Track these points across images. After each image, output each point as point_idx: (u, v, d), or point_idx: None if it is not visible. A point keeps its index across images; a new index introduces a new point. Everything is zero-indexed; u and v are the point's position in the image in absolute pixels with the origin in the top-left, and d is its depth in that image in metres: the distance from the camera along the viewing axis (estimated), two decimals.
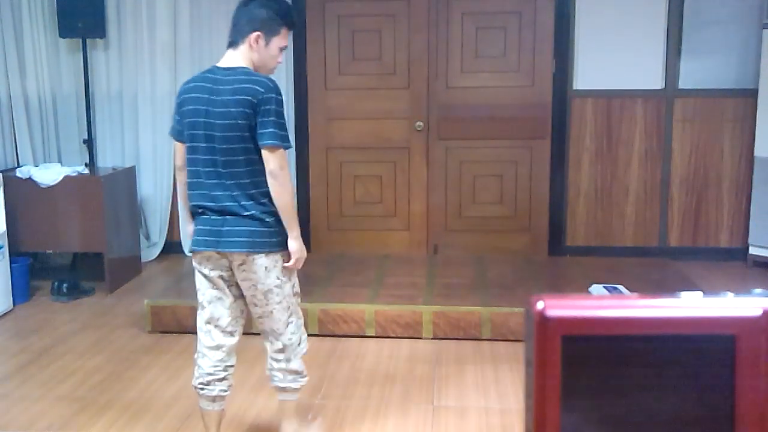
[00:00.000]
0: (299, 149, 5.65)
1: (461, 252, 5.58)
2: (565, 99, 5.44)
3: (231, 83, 2.54)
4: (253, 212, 2.55)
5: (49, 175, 4.81)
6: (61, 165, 5.18)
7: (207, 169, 2.56)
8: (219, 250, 2.58)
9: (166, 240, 5.74)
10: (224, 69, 2.60)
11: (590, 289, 4.25)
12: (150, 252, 5.67)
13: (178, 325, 4.14)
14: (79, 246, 5.09)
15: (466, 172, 5.60)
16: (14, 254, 4.70)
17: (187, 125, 2.60)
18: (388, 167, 5.62)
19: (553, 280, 4.72)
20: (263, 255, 2.57)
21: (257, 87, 2.51)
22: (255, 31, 2.60)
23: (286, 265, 2.63)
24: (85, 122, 5.50)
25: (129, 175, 5.32)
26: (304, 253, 2.65)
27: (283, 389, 2.80)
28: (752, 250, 5.31)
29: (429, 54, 5.51)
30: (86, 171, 5.00)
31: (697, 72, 5.34)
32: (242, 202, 2.55)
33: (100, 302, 4.74)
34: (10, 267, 4.58)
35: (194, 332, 4.13)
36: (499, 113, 5.48)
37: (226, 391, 2.73)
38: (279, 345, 2.73)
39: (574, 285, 4.44)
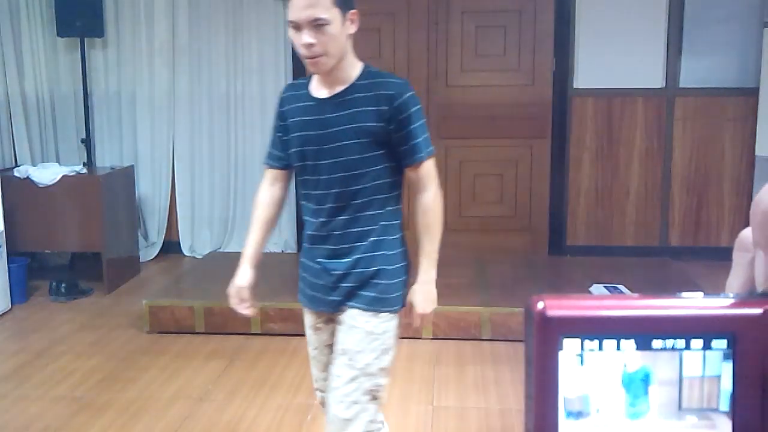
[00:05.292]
0: None
1: (461, 252, 5.56)
2: (566, 98, 5.43)
3: None
4: None
5: (47, 174, 4.80)
6: (59, 164, 5.16)
7: None
8: None
9: (164, 240, 5.73)
10: None
11: (591, 288, 4.23)
12: (148, 252, 5.65)
13: (176, 325, 4.13)
14: (78, 246, 5.07)
15: (465, 171, 5.58)
16: (12, 254, 4.68)
17: None
18: None
19: (553, 280, 4.70)
20: None
21: None
22: None
23: None
24: (83, 121, 5.48)
25: (127, 175, 5.30)
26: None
27: None
28: None
29: (429, 52, 5.49)
30: (84, 170, 4.99)
31: (698, 71, 5.32)
32: None
33: (99, 302, 4.73)
34: (8, 267, 4.56)
35: (192, 332, 4.16)
36: (500, 112, 5.46)
37: None
38: None
39: (574, 285, 4.42)
